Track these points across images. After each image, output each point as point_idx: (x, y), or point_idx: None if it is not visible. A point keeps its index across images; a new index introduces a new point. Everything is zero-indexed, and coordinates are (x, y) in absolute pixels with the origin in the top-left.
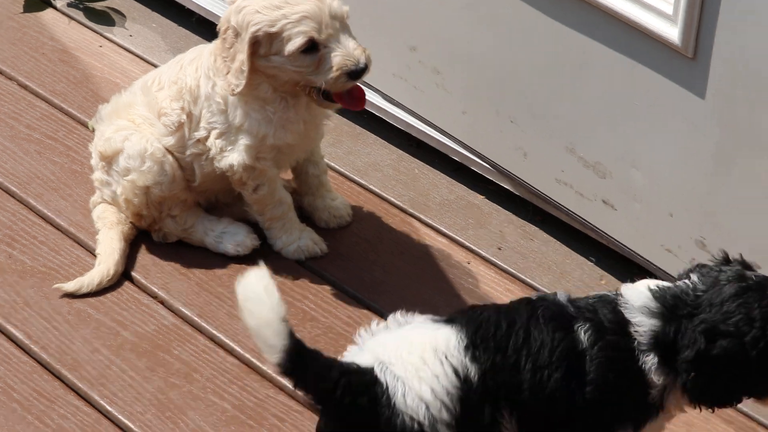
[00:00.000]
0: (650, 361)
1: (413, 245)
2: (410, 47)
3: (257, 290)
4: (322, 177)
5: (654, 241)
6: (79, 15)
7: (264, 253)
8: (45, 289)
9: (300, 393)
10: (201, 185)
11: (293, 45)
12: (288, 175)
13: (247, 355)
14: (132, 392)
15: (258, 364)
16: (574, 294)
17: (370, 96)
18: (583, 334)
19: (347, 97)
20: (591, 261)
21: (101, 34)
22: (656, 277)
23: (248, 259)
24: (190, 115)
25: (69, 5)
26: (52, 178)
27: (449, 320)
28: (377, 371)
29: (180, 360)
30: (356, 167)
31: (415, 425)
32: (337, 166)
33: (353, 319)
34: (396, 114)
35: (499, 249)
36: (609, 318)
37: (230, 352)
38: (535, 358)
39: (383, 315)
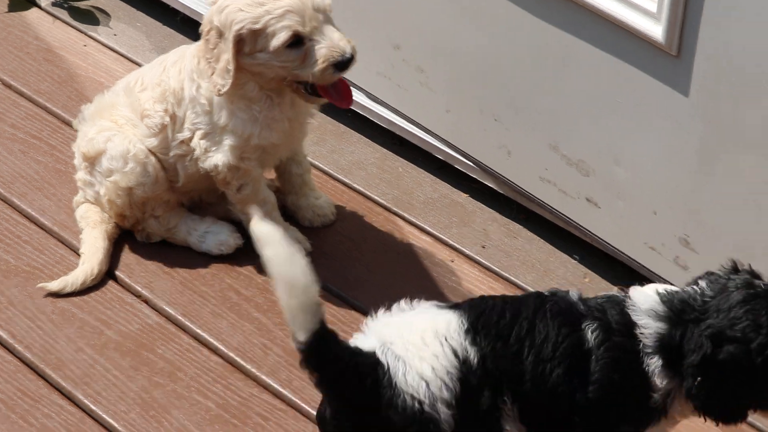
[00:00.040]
0: (654, 363)
1: (397, 244)
2: (394, 46)
3: (294, 271)
4: (305, 176)
5: (638, 239)
6: (63, 14)
7: (248, 251)
8: (29, 288)
9: (306, 371)
10: (184, 186)
11: (278, 40)
12: (271, 174)
13: (231, 354)
14: (116, 391)
15: (242, 363)
16: None
17: (355, 95)
18: (590, 333)
19: (333, 92)
20: (575, 259)
21: (86, 34)
22: (640, 276)
23: (232, 258)
24: (173, 116)
25: (54, 4)
26: (36, 178)
27: (454, 306)
28: (378, 353)
29: (164, 359)
30: (340, 166)
31: (416, 404)
32: (321, 165)
33: (337, 318)
34: (380, 112)
35: (483, 247)
36: (616, 319)
37: (214, 351)
38: (537, 351)
39: (367, 313)
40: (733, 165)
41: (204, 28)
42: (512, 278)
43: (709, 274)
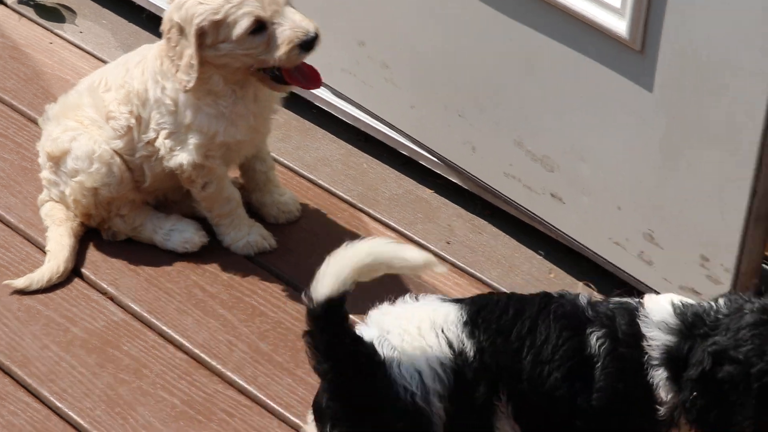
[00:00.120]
0: (659, 376)
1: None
2: (359, 42)
3: (384, 246)
4: (269, 173)
5: (602, 234)
6: (29, 12)
7: (213, 248)
8: None
9: (306, 343)
10: (150, 185)
11: (240, 28)
12: (236, 172)
13: (196, 351)
14: (82, 388)
15: (207, 359)
16: (523, 287)
17: (319, 91)
18: (595, 340)
19: (300, 76)
20: (540, 254)
21: (52, 31)
22: (605, 271)
23: (197, 255)
24: (139, 118)
25: (20, 2)
26: (1, 175)
27: (457, 300)
28: (376, 343)
29: (129, 356)
30: (305, 162)
31: (408, 396)
32: (286, 162)
33: (302, 314)
34: (345, 109)
35: (448, 243)
36: (624, 329)
37: (179, 347)
38: (537, 352)
39: None
40: (696, 160)
41: (164, 27)
42: (477, 274)
43: (731, 293)
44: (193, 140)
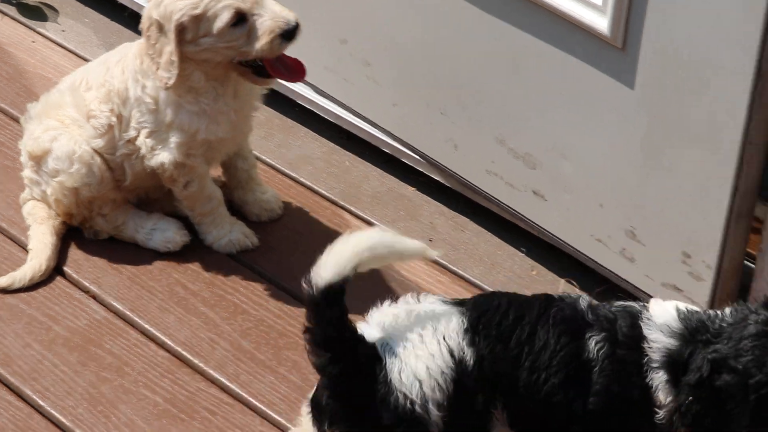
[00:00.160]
0: (658, 378)
1: None
2: (340, 40)
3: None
4: (251, 171)
5: (584, 232)
6: (11, 10)
7: (195, 246)
8: None
9: (305, 340)
10: (131, 184)
11: (221, 21)
12: (218, 170)
13: (179, 349)
14: (64, 386)
15: (189, 357)
16: (505, 284)
17: (301, 89)
18: (594, 344)
19: (283, 68)
20: (522, 252)
21: (34, 30)
22: (587, 268)
23: (179, 254)
24: (119, 117)
25: (2, 1)
26: None
27: (459, 303)
28: (378, 347)
29: (112, 354)
30: (287, 160)
31: (408, 404)
32: (268, 160)
33: (284, 312)
34: (327, 107)
35: (430, 240)
36: (624, 332)
37: (161, 345)
38: (534, 358)
39: None
40: (677, 158)
41: (144, 25)
42: (460, 271)
43: (739, 303)
44: (174, 138)
